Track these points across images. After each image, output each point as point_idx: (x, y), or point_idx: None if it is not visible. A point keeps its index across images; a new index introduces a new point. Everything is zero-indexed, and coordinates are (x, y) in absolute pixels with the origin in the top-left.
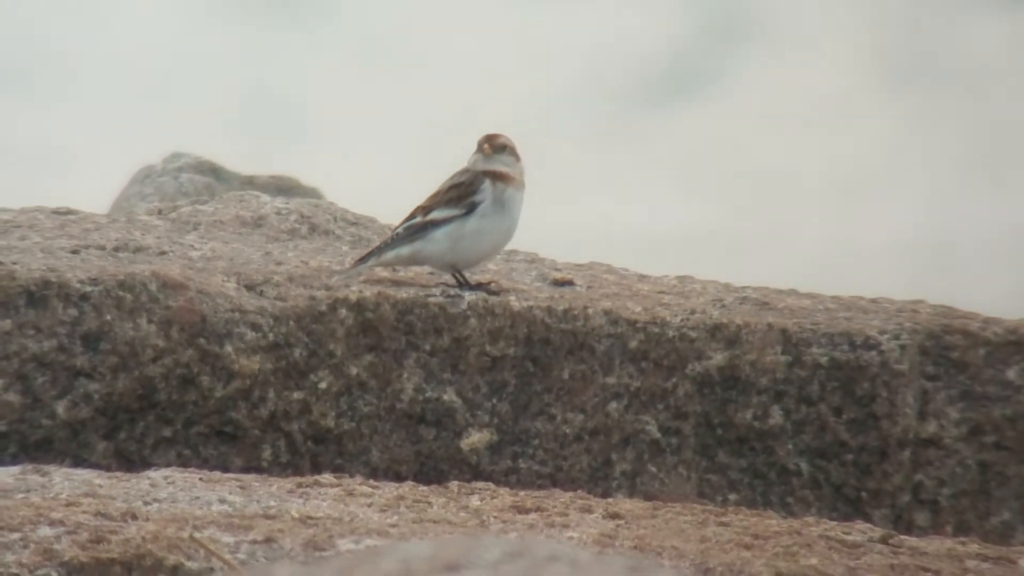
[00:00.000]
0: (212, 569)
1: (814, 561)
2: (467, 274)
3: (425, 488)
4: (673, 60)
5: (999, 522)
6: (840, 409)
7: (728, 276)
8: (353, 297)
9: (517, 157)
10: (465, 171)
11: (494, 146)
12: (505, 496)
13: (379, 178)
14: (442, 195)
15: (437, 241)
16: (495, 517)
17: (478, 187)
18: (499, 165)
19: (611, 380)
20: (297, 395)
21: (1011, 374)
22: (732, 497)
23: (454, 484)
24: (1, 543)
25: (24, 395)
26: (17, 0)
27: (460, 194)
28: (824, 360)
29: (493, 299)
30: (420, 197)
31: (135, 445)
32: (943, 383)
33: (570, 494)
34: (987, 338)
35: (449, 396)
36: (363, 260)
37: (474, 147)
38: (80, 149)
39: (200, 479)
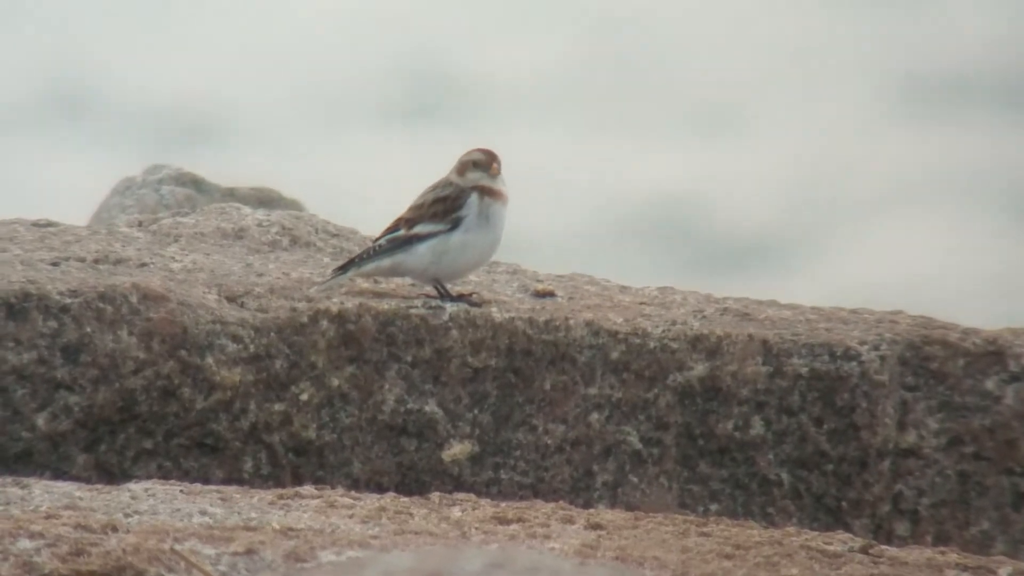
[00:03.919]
0: None
1: (795, 571)
2: (448, 285)
3: (406, 499)
4: None
5: (978, 532)
6: (820, 419)
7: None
8: (334, 308)
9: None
10: (449, 184)
11: (500, 166)
12: (486, 507)
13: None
14: (426, 208)
15: (420, 255)
16: (476, 528)
17: (464, 201)
18: (499, 183)
19: (592, 391)
20: (278, 407)
21: (990, 384)
22: (713, 507)
23: (435, 495)
24: None
25: (4, 408)
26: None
27: (445, 208)
28: (804, 371)
29: (475, 310)
30: (401, 207)
31: (116, 457)
32: (922, 393)
33: (552, 505)
34: (966, 348)
35: (430, 407)
36: (343, 270)
37: (456, 161)
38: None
39: (181, 491)
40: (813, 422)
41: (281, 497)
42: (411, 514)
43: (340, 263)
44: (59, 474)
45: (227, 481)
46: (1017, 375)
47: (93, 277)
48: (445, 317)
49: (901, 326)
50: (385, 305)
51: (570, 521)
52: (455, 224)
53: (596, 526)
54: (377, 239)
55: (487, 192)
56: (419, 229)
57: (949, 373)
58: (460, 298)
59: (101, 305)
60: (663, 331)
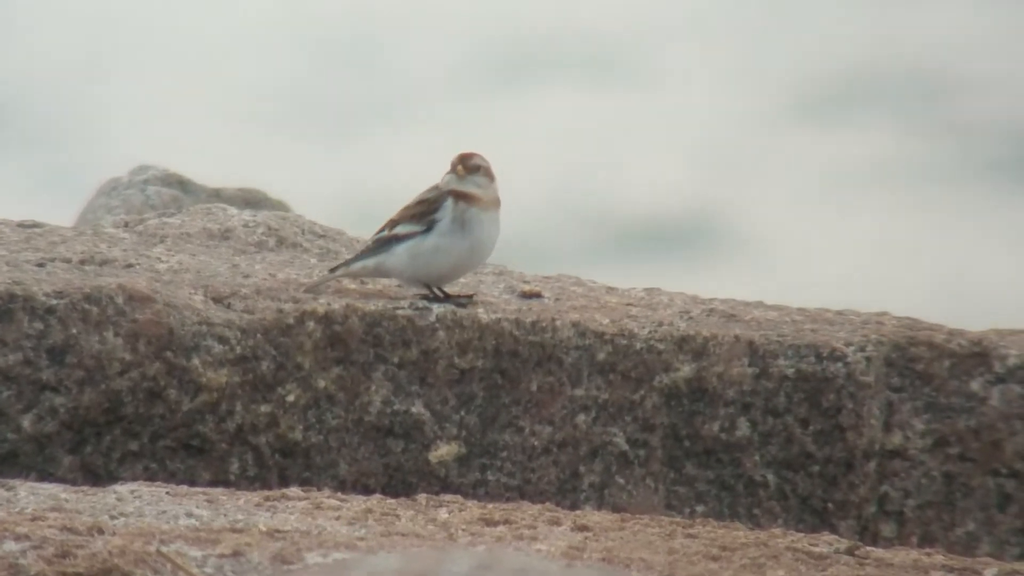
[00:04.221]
0: None
1: (781, 573)
2: (445, 287)
3: (393, 501)
4: None
5: (964, 533)
6: (806, 421)
7: None
8: (321, 310)
9: (491, 177)
10: (434, 188)
11: (468, 168)
12: (473, 508)
13: None
14: (409, 210)
15: (398, 255)
16: (463, 530)
17: (440, 205)
18: (469, 186)
19: (579, 392)
20: (265, 408)
21: (975, 385)
22: (699, 509)
23: (422, 497)
24: None
25: None
26: None
27: (424, 211)
28: (790, 372)
29: (461, 311)
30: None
31: (101, 459)
32: (908, 395)
33: (538, 506)
34: (952, 350)
35: (417, 408)
36: (333, 270)
37: (448, 165)
38: None
39: (167, 493)
40: (799, 423)
41: (267, 499)
42: (398, 516)
43: (327, 264)
44: (45, 476)
45: (213, 483)
46: (1002, 376)
47: (79, 278)
48: (432, 318)
49: (887, 327)
50: (372, 306)
51: (557, 523)
52: (430, 226)
53: (583, 528)
54: (369, 239)
55: (463, 197)
56: (399, 230)
57: (935, 374)
58: (448, 298)
59: (87, 306)
60: (649, 332)
